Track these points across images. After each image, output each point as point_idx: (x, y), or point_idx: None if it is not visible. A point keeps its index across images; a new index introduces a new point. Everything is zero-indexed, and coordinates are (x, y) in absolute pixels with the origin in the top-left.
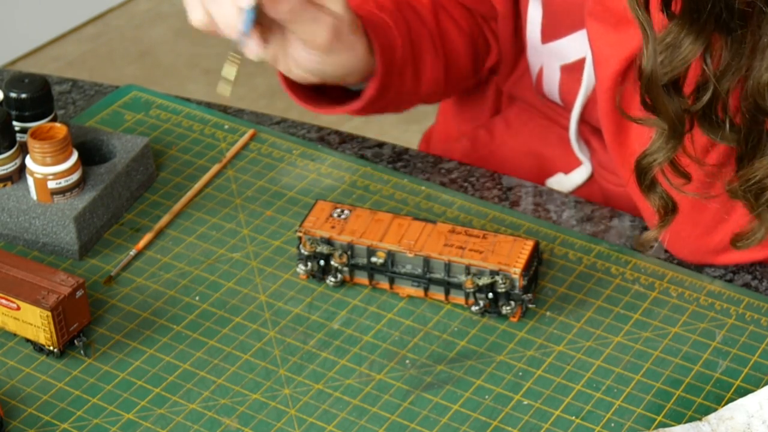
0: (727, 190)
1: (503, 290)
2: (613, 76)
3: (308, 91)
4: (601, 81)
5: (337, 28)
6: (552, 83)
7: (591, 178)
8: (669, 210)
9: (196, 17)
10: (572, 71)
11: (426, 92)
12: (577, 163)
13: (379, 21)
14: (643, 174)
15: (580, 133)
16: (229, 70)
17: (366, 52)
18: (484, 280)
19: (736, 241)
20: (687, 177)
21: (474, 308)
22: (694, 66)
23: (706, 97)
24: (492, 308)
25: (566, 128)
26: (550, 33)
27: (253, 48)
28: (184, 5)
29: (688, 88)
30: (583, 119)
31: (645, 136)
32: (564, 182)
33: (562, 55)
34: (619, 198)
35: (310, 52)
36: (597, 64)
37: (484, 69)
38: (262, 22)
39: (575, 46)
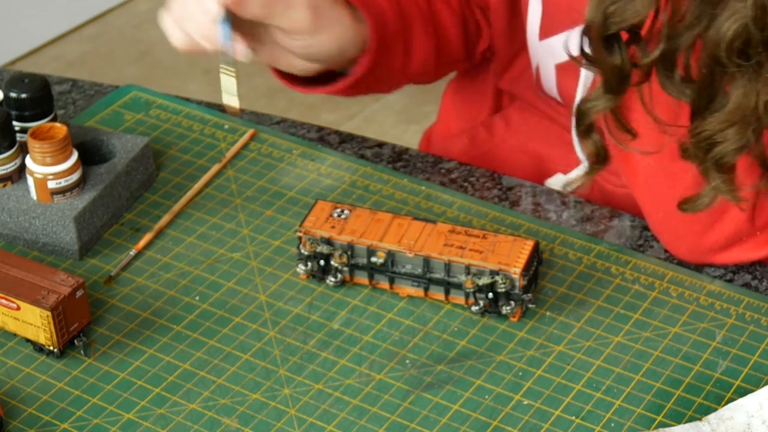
0: (680, 148)
1: (503, 290)
2: None
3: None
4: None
5: (315, 5)
6: (549, 81)
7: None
8: (600, 159)
9: (176, 39)
10: (568, 69)
11: (415, 72)
12: (576, 163)
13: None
14: (581, 118)
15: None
16: (228, 83)
17: (355, 26)
18: (485, 280)
19: (684, 203)
20: (631, 132)
21: (474, 308)
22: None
23: (658, 51)
24: (492, 308)
25: (566, 127)
26: (548, 29)
27: (240, 52)
28: (165, 31)
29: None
30: None
31: (643, 130)
32: (563, 182)
33: (556, 53)
34: (618, 198)
35: (298, 37)
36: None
37: (477, 53)
38: (242, 27)
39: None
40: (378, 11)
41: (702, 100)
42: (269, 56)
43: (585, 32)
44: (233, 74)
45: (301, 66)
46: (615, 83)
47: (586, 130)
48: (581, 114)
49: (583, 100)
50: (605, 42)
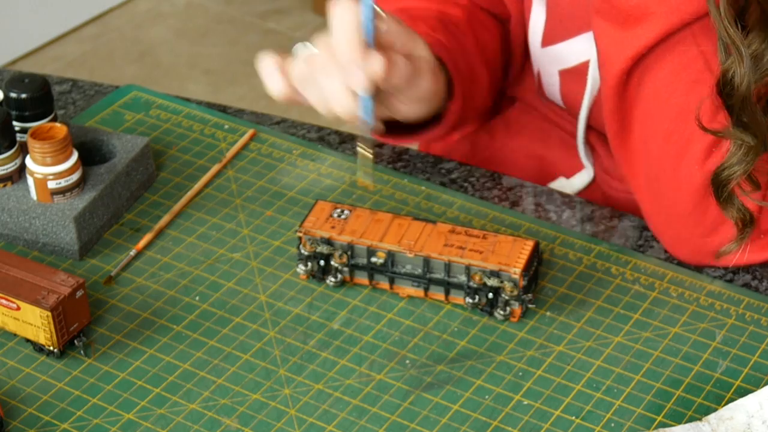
0: None
1: (507, 298)
2: (618, 75)
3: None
4: (605, 80)
5: (435, 71)
6: (552, 87)
7: (593, 183)
8: (747, 222)
9: (279, 90)
10: (573, 75)
11: (485, 105)
12: (579, 167)
13: (448, 43)
14: (721, 187)
15: (586, 138)
16: (364, 160)
17: (440, 77)
18: (493, 282)
19: None
20: (758, 185)
21: (468, 300)
22: None
23: None
24: (486, 308)
25: (568, 131)
26: (551, 37)
27: (375, 130)
28: (264, 76)
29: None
30: (588, 123)
31: (648, 135)
32: (565, 186)
33: (560, 60)
34: (622, 204)
35: (411, 101)
36: (602, 63)
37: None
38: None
39: (575, 50)
40: (456, 64)
41: None
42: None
43: (737, 102)
44: (370, 152)
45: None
46: (764, 143)
47: (727, 198)
48: (720, 183)
49: (721, 168)
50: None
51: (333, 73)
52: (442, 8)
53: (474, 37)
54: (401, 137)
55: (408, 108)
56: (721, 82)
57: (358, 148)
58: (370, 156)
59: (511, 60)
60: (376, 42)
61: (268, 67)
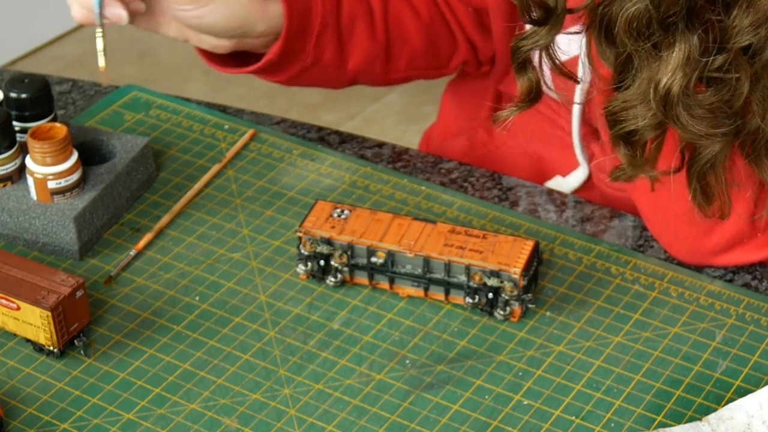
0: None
1: (507, 298)
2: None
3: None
4: (596, 74)
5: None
6: (547, 83)
7: (590, 182)
8: (532, 96)
9: (73, 12)
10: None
11: (355, 71)
12: (575, 165)
13: None
14: (516, 54)
15: (582, 136)
16: (99, 44)
17: (260, 6)
18: (493, 282)
19: (612, 173)
20: (573, 78)
21: (468, 299)
22: None
23: (589, 3)
24: (485, 308)
25: (566, 129)
26: None
27: (116, 15)
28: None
29: None
30: (583, 120)
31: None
32: (562, 185)
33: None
34: (618, 202)
35: (183, 7)
36: (593, 57)
37: (452, 64)
38: None
39: (565, 45)
40: (303, 7)
41: (618, 75)
42: (177, 30)
43: None
44: (101, 35)
45: (210, 42)
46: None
47: (520, 65)
48: (516, 50)
49: (519, 38)
50: None
51: None
52: None
53: (380, 7)
54: (219, 64)
55: (213, 42)
56: None
57: (96, 36)
58: (101, 38)
59: (497, 54)
60: None
61: None
